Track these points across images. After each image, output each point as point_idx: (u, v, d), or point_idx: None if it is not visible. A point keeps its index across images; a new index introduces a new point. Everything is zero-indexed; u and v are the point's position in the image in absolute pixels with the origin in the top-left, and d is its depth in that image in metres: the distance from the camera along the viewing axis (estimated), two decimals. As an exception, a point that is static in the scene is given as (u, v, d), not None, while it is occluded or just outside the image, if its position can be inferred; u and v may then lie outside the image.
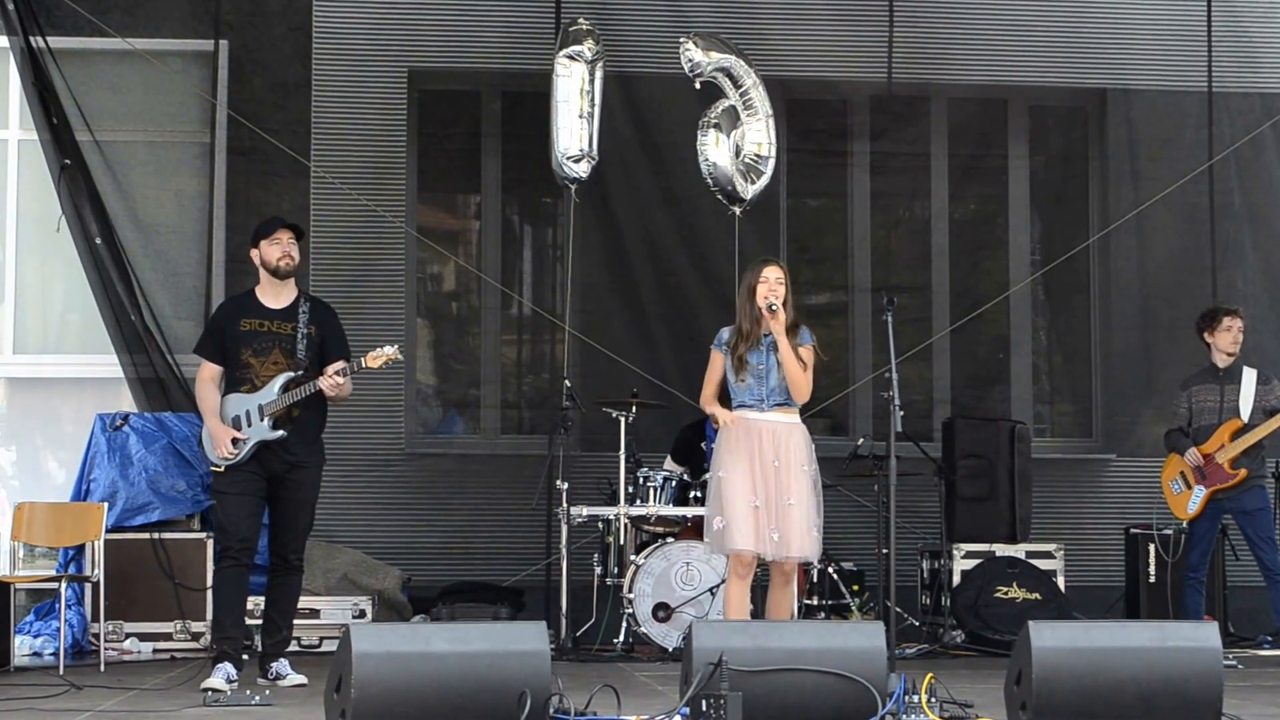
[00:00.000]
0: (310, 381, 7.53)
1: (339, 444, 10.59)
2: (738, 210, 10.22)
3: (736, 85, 10.16)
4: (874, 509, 9.82)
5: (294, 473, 7.64)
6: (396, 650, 5.46)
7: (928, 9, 11.02)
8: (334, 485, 10.55)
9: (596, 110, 10.05)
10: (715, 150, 10.16)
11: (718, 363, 7.56)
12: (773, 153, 10.23)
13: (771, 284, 7.43)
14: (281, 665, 7.70)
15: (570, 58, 9.99)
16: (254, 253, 7.73)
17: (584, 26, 10.14)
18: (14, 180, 10.93)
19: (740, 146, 10.19)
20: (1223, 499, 9.18)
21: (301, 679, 7.59)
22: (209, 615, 8.46)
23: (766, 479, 7.33)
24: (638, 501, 9.37)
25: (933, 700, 5.98)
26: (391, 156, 10.85)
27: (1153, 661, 5.80)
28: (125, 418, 9.77)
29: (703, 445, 10.03)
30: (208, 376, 7.72)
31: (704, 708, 5.50)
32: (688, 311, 10.90)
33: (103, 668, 8.49)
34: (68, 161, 10.14)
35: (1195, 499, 9.19)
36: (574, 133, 9.98)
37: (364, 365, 7.51)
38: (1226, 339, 9.22)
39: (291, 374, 7.56)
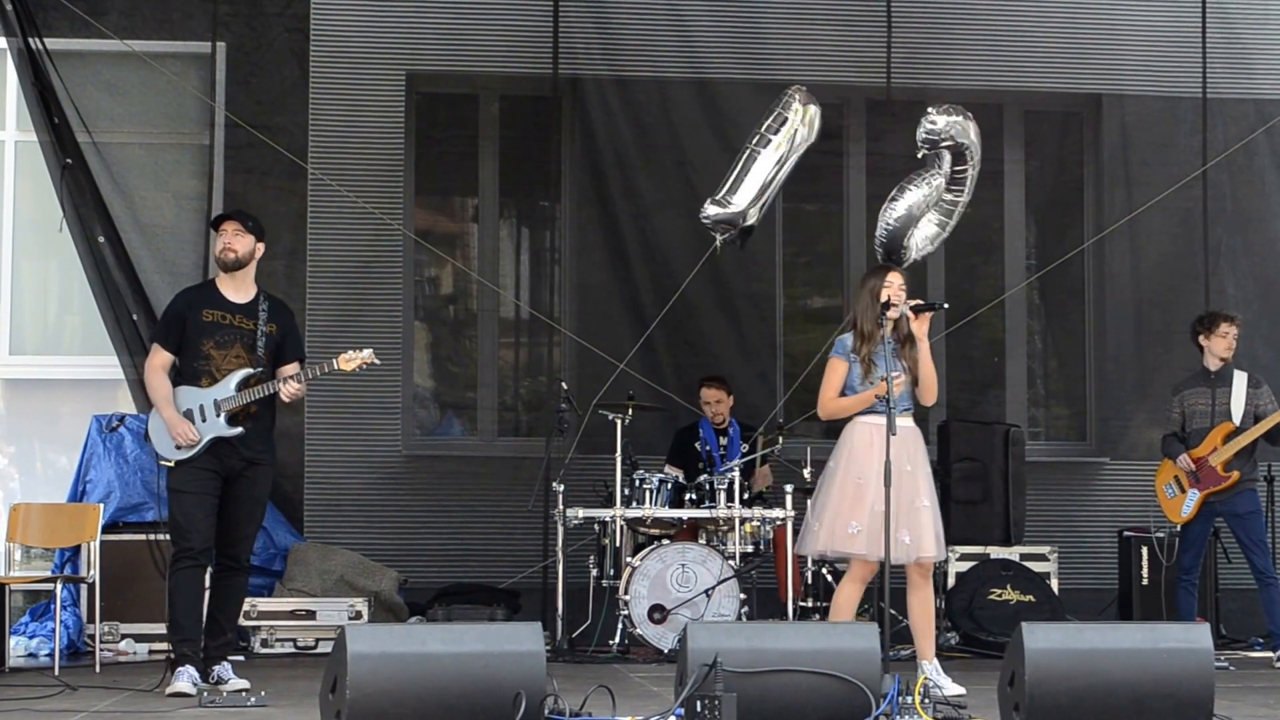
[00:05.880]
0: (268, 382, 7.39)
1: (336, 446, 10.69)
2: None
3: (958, 165, 9.74)
4: (868, 512, 9.82)
5: (250, 470, 7.46)
6: (392, 651, 5.46)
7: (925, 14, 11.05)
8: (331, 487, 10.65)
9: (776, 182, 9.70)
10: (909, 212, 9.74)
11: (841, 369, 7.49)
12: (946, 230, 9.93)
13: (895, 289, 7.45)
14: (224, 669, 7.47)
15: (782, 124, 9.60)
16: None
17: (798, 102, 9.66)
18: (10, 182, 10.95)
19: (917, 214, 9.80)
20: (1215, 502, 9.21)
21: (244, 683, 7.33)
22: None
23: (899, 484, 7.30)
24: (634, 504, 9.39)
25: (926, 701, 6.00)
26: (389, 159, 10.86)
27: (1145, 663, 5.82)
28: (121, 419, 9.81)
29: (696, 446, 10.06)
30: (159, 364, 7.50)
31: (699, 708, 5.51)
32: (685, 315, 10.92)
33: (98, 669, 8.49)
34: (69, 161, 10.16)
35: (1189, 503, 9.22)
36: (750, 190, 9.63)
37: (336, 367, 7.39)
38: (1222, 344, 9.25)
39: (250, 371, 7.40)
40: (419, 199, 11.27)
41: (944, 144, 9.75)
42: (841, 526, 7.41)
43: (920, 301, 7.49)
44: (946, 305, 7.57)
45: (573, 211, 11.16)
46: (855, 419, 7.50)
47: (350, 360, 7.38)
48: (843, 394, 7.50)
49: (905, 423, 7.45)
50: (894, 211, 9.75)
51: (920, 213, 9.79)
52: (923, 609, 7.56)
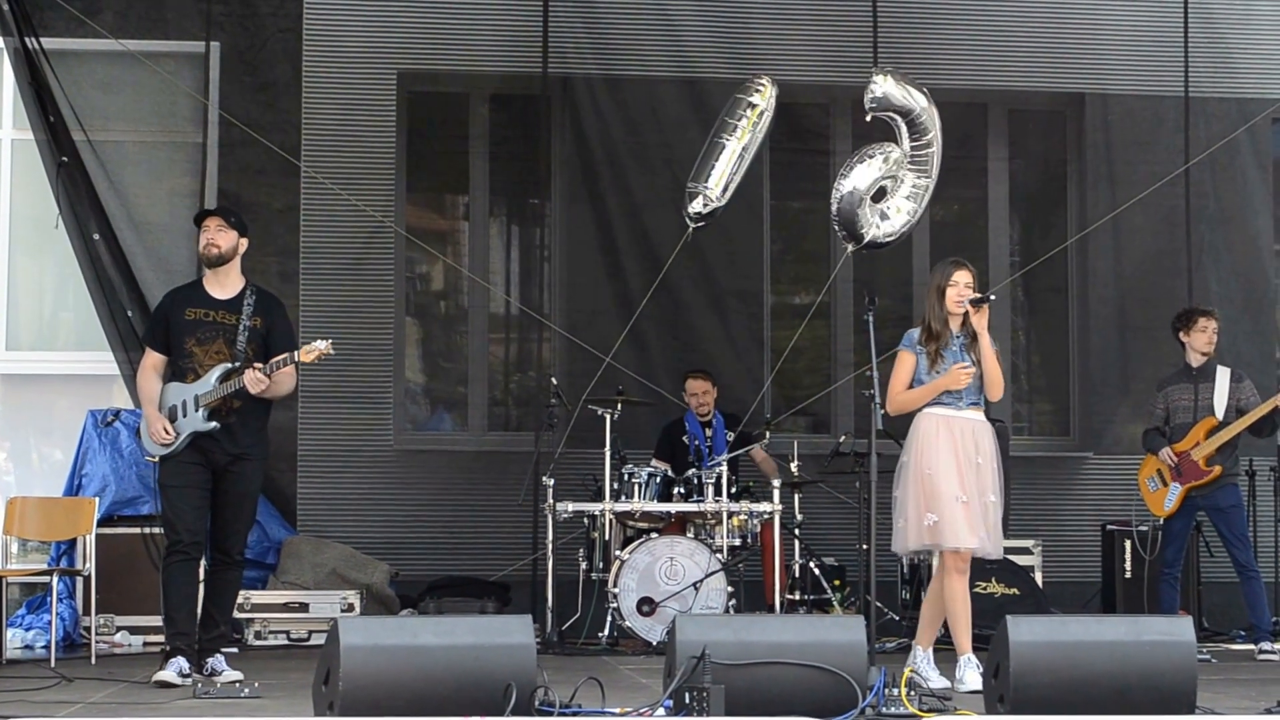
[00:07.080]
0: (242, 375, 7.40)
1: (328, 440, 10.75)
2: (850, 248, 10.01)
3: (914, 137, 9.73)
4: (855, 505, 9.90)
5: (237, 464, 7.49)
6: (384, 643, 5.53)
7: (910, 13, 11.11)
8: (323, 481, 10.71)
9: (745, 162, 9.83)
10: (855, 185, 9.72)
11: (909, 362, 7.48)
12: (915, 216, 9.90)
13: (961, 288, 7.44)
14: (217, 661, 7.56)
15: (746, 109, 9.76)
16: None
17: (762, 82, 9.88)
18: (7, 179, 11.00)
19: (887, 191, 9.78)
20: (1197, 496, 9.29)
21: (238, 675, 7.43)
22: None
23: (969, 475, 7.34)
24: (623, 497, 9.44)
25: (912, 693, 6.08)
26: (381, 157, 10.92)
27: (1128, 655, 5.89)
28: (116, 413, 9.88)
29: (684, 440, 10.13)
30: (149, 365, 7.60)
31: (687, 700, 5.58)
32: (673, 310, 10.99)
33: (94, 660, 8.56)
34: (65, 159, 10.21)
35: (1171, 496, 9.29)
36: (722, 176, 9.77)
37: (296, 359, 7.37)
38: (1201, 339, 9.32)
39: (230, 365, 7.42)
40: (410, 196, 11.34)
41: (894, 109, 9.73)
42: (920, 520, 7.38)
43: (977, 295, 7.47)
44: (993, 297, 7.59)
45: (562, 209, 11.23)
46: (922, 410, 7.49)
47: (309, 352, 7.33)
48: (910, 387, 7.52)
49: (975, 415, 7.46)
50: (842, 188, 9.75)
51: (873, 186, 9.77)
52: (940, 601, 7.55)
